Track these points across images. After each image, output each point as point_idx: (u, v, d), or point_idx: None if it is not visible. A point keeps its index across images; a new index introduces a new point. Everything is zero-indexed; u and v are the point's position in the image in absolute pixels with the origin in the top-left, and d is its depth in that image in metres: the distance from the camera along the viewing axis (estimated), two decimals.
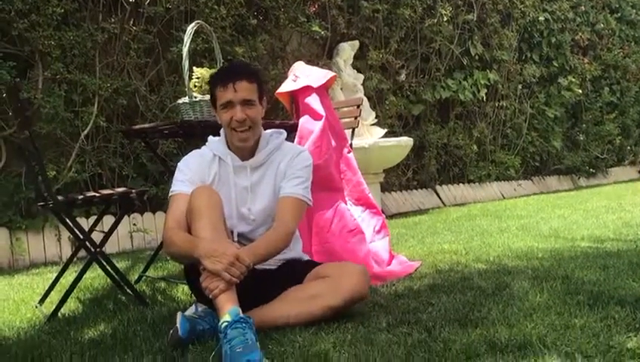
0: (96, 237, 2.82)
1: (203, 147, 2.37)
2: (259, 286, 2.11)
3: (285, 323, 2.04)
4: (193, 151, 2.37)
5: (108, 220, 4.10)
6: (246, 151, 2.28)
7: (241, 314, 1.84)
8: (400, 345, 1.77)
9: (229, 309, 1.84)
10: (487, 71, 7.98)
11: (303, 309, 2.06)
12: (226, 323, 1.79)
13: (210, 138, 2.38)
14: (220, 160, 2.28)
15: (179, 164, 2.31)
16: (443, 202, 7.40)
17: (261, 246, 2.09)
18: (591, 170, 9.93)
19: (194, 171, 2.25)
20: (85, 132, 4.68)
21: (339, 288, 2.07)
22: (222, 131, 2.33)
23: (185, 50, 2.96)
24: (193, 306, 2.15)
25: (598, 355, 1.60)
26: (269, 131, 2.37)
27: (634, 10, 10.81)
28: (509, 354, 1.65)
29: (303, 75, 3.31)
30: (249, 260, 1.95)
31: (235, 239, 2.22)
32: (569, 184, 9.61)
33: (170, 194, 2.24)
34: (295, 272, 2.21)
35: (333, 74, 3.34)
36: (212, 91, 2.27)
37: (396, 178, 6.93)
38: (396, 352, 1.72)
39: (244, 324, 1.78)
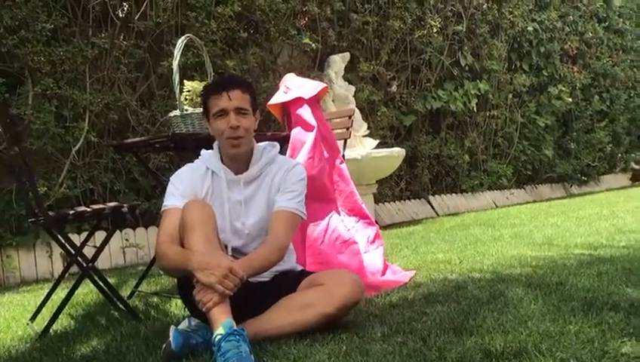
0: (89, 252, 2.80)
1: (196, 161, 2.35)
2: (253, 298, 2.09)
3: (279, 333, 2.02)
4: (186, 165, 2.35)
5: (100, 236, 4.06)
6: (240, 164, 2.26)
7: (235, 327, 1.82)
8: (395, 355, 1.76)
9: (222, 322, 1.82)
10: (478, 81, 8.03)
11: (296, 318, 2.04)
12: (219, 336, 1.78)
13: (204, 151, 2.37)
14: (213, 173, 2.26)
15: (171, 178, 2.29)
16: (436, 212, 7.40)
17: (255, 259, 2.08)
18: (583, 177, 9.98)
19: (186, 185, 2.23)
20: (76, 147, 4.67)
21: (332, 296, 2.06)
22: (215, 145, 2.32)
23: (175, 63, 2.96)
24: (186, 320, 2.13)
25: (593, 361, 1.59)
26: (262, 144, 2.35)
27: (621, 20, 10.94)
28: (505, 361, 1.64)
29: (294, 86, 3.32)
30: (242, 273, 1.93)
31: (230, 253, 2.20)
32: (561, 192, 9.64)
33: (162, 208, 2.22)
34: (289, 282, 2.20)
35: (324, 85, 3.34)
36: (205, 102, 2.25)
37: (389, 189, 6.94)
38: None
39: (238, 337, 1.77)
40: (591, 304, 2.15)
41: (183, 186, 2.22)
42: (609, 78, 10.56)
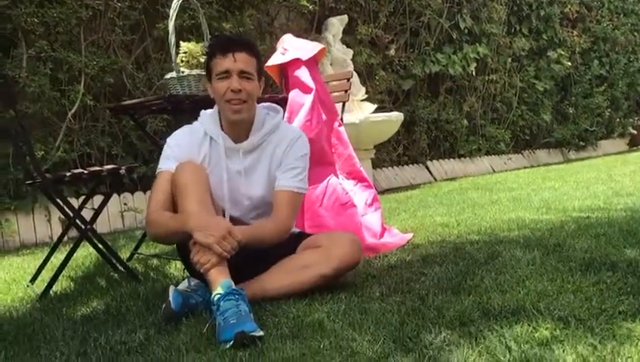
0: (87, 216, 2.80)
1: (195, 123, 2.25)
2: (251, 261, 2.08)
3: (278, 293, 2.03)
4: (184, 126, 2.26)
5: (98, 200, 4.05)
6: (240, 131, 2.18)
7: (234, 287, 1.83)
8: (394, 313, 1.78)
9: (221, 282, 1.82)
10: (477, 44, 7.94)
11: (295, 279, 2.05)
12: (218, 296, 1.78)
13: (203, 112, 2.26)
14: (211, 140, 2.18)
15: (168, 139, 2.22)
16: (434, 177, 7.41)
17: (256, 229, 2.06)
18: (580, 142, 9.97)
19: (182, 149, 2.15)
20: (72, 111, 4.63)
21: (330, 257, 2.05)
22: (215, 109, 2.23)
23: (171, 24, 2.91)
24: (186, 281, 2.13)
25: (591, 318, 1.60)
26: (263, 110, 2.26)
27: None
28: (503, 319, 1.65)
29: (292, 47, 3.27)
30: (241, 236, 1.92)
31: (227, 219, 2.18)
32: (559, 157, 9.65)
33: (157, 171, 2.16)
34: (288, 245, 2.19)
35: (322, 46, 3.29)
36: (208, 61, 2.15)
37: (387, 154, 6.93)
38: (390, 320, 1.72)
39: (237, 296, 1.77)
40: (589, 264, 2.16)
41: (179, 150, 2.15)
42: (609, 42, 10.46)
